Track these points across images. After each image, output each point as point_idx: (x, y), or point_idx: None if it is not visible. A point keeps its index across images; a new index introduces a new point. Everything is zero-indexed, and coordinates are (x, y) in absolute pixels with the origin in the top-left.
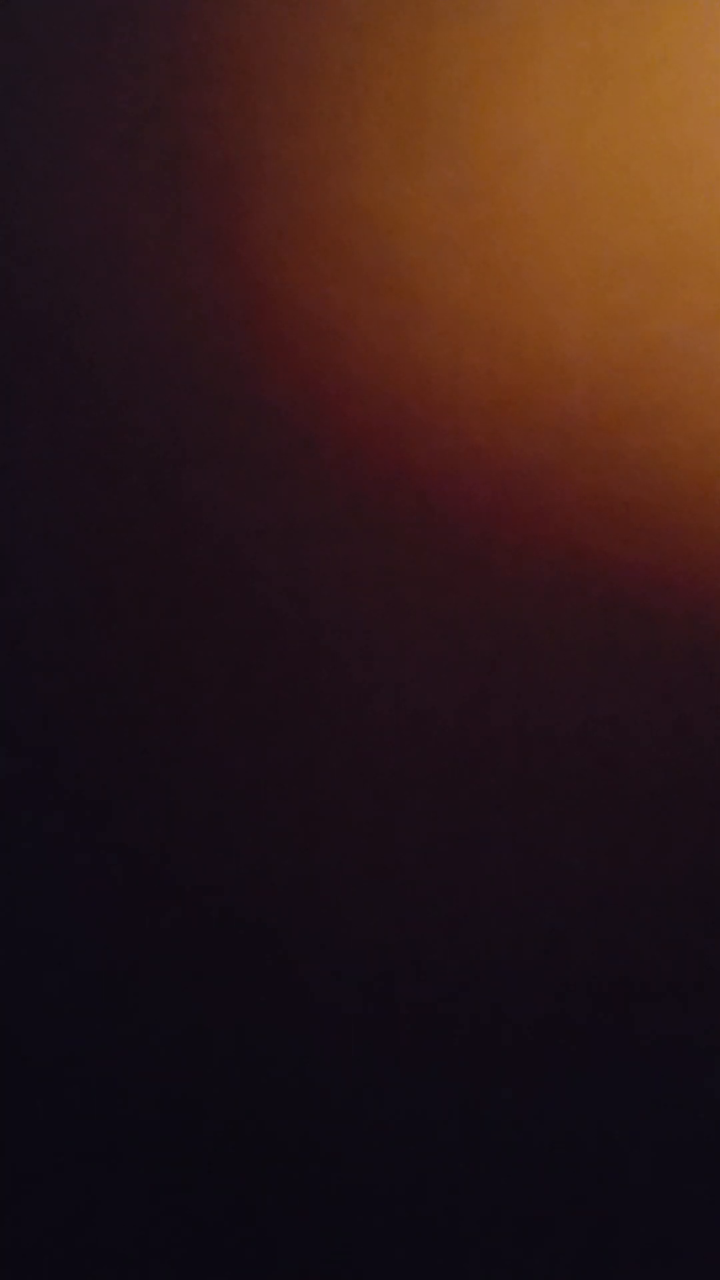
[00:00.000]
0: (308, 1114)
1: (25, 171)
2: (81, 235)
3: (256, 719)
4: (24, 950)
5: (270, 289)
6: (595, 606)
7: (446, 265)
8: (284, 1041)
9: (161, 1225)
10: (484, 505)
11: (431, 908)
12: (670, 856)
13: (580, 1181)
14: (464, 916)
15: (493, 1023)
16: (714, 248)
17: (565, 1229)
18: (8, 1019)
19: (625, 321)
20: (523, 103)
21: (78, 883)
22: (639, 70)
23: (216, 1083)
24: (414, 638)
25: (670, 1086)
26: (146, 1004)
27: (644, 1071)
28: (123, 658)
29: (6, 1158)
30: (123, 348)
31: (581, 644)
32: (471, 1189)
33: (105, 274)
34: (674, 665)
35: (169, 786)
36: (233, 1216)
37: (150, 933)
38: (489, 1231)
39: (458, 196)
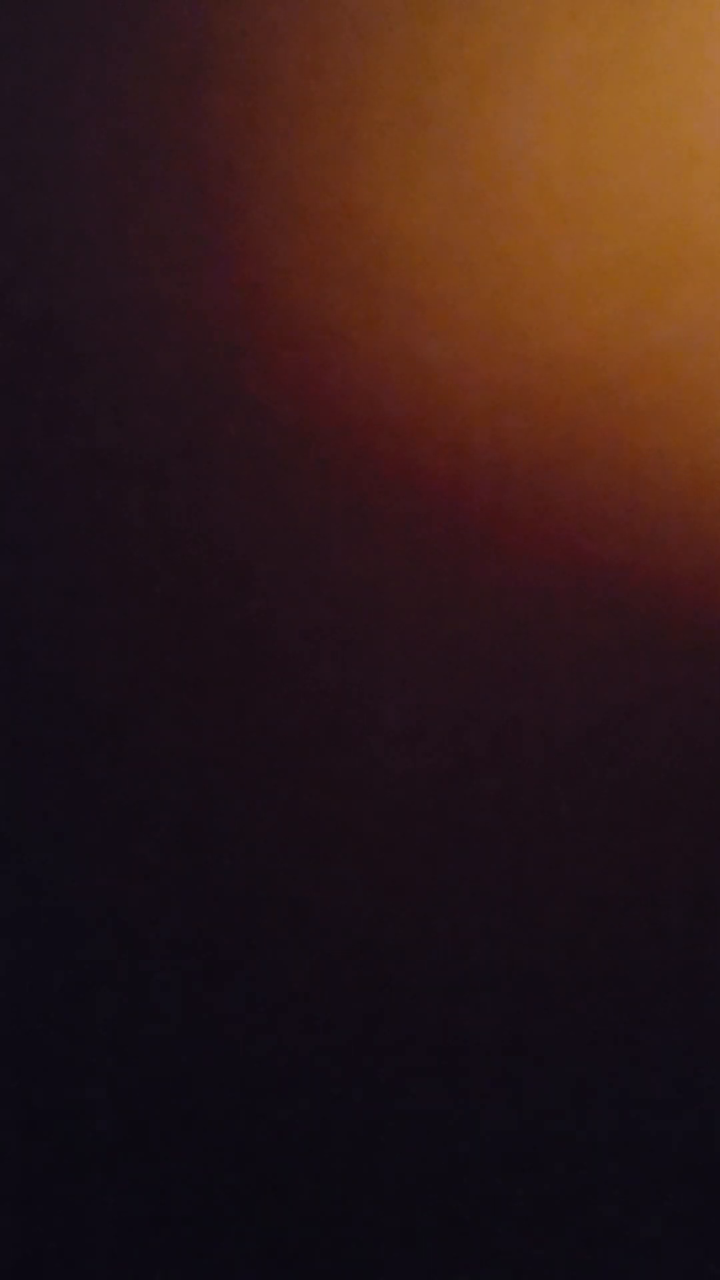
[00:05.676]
0: (308, 1120)
1: (25, 172)
2: (81, 235)
3: (256, 721)
4: (23, 952)
5: (270, 290)
6: (597, 607)
7: (447, 266)
8: (284, 1048)
9: (156, 1233)
10: (485, 506)
11: (433, 910)
12: (672, 858)
13: (581, 1185)
14: (466, 918)
15: (494, 1027)
16: (714, 249)
17: (565, 1233)
18: (7, 1025)
19: (626, 323)
20: (523, 104)
21: (74, 884)
22: (639, 71)
23: (215, 1090)
24: (414, 638)
25: (671, 1088)
26: (146, 1011)
27: (645, 1072)
28: (120, 658)
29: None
30: (122, 348)
31: (583, 644)
32: (472, 1192)
33: (105, 274)
34: (675, 665)
35: (164, 787)
36: (230, 1223)
37: (146, 937)
38: (490, 1235)
39: (458, 198)
